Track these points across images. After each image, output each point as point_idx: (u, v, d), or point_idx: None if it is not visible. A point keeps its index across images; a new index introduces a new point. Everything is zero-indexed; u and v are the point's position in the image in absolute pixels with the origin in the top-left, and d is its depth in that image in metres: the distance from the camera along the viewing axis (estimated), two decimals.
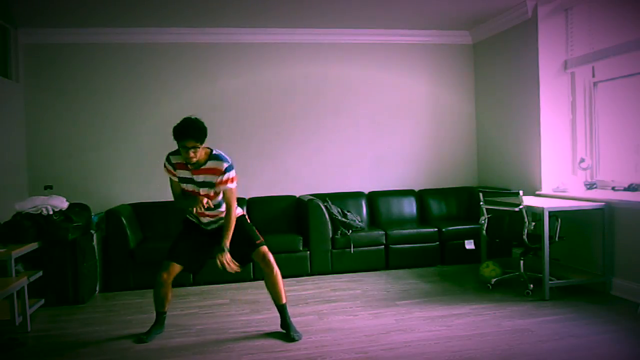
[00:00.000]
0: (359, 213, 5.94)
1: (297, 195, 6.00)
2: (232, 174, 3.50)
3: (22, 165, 5.59)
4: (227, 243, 3.51)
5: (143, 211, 5.59)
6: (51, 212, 4.48)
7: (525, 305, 4.19)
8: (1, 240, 4.25)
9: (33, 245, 4.27)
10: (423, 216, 6.19)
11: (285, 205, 5.89)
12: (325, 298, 4.58)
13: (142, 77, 5.87)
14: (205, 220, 3.68)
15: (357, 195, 6.11)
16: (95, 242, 4.96)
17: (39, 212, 4.45)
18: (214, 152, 3.53)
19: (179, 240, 3.74)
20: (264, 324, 3.93)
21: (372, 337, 3.58)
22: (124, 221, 5.09)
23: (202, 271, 5.06)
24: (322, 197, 5.80)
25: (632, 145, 4.72)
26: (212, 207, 3.58)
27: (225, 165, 3.48)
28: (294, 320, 3.82)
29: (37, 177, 5.59)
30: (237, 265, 3.56)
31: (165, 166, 3.61)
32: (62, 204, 4.62)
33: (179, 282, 5.11)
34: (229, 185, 3.50)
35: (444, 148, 6.50)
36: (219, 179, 3.48)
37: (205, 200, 3.50)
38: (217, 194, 3.55)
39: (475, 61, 6.53)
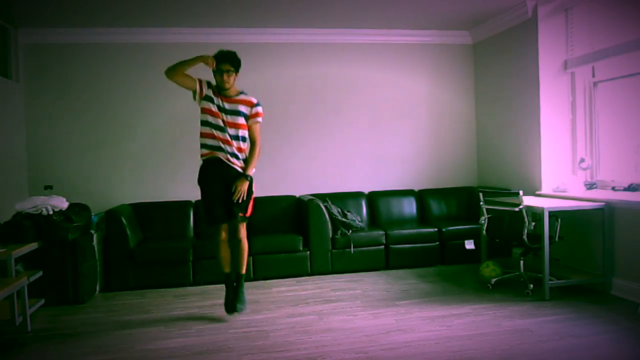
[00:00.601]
0: (359, 213, 5.94)
1: (297, 195, 6.00)
2: (261, 109, 3.95)
3: (22, 165, 5.59)
4: (251, 171, 3.88)
5: (143, 211, 5.59)
6: (51, 212, 4.48)
7: (525, 305, 4.19)
8: (1, 240, 4.25)
9: (33, 245, 4.27)
10: (423, 216, 6.19)
11: (285, 205, 5.89)
12: (325, 298, 4.58)
13: (142, 77, 5.86)
14: (228, 148, 3.85)
15: (357, 195, 6.11)
16: (95, 242, 4.95)
17: (39, 212, 4.45)
18: (243, 90, 3.97)
19: (207, 205, 3.98)
20: (264, 324, 3.93)
21: (372, 337, 3.58)
22: (124, 221, 5.09)
23: (202, 271, 5.14)
24: (322, 197, 5.80)
25: (632, 145, 4.72)
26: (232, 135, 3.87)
27: (256, 100, 3.93)
28: (294, 320, 3.85)
29: (37, 177, 5.59)
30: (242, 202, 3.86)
31: (199, 81, 3.90)
32: (62, 204, 4.62)
33: (179, 282, 5.15)
34: (258, 119, 3.94)
35: (444, 148, 6.50)
36: (252, 111, 3.91)
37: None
38: (241, 125, 3.87)
39: (475, 61, 6.53)
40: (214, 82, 3.98)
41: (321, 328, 3.79)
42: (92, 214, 5.01)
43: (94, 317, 4.25)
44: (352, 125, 6.27)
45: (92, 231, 4.94)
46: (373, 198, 6.15)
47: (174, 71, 3.85)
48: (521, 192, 4.43)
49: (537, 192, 5.26)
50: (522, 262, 4.64)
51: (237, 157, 3.90)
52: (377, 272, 5.49)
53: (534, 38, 5.28)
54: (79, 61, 5.76)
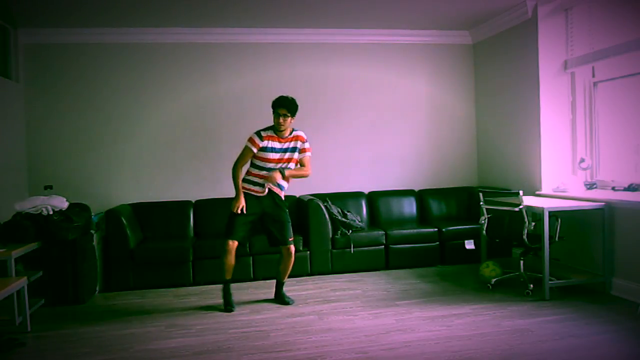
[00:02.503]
0: (359, 213, 5.94)
1: (297, 195, 6.00)
2: (308, 144, 4.40)
3: (22, 165, 5.59)
4: (288, 173, 4.28)
5: (143, 211, 5.59)
6: (51, 212, 4.48)
7: (525, 305, 4.19)
8: (1, 240, 4.25)
9: (33, 245, 4.28)
10: (423, 216, 6.19)
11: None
12: (325, 298, 4.58)
13: (142, 78, 5.87)
14: (267, 187, 4.30)
15: (357, 195, 6.11)
16: (95, 242, 4.95)
17: (39, 212, 4.45)
18: (295, 128, 4.37)
19: (233, 222, 4.30)
20: (264, 324, 3.93)
21: (372, 337, 3.58)
22: (124, 221, 5.09)
23: (202, 271, 5.15)
24: (322, 197, 5.80)
25: (632, 145, 4.72)
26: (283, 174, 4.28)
27: (305, 137, 4.39)
28: (294, 320, 3.88)
29: (37, 177, 5.59)
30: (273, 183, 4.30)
31: (251, 139, 4.26)
32: (62, 204, 4.62)
33: (179, 282, 5.15)
34: (308, 153, 4.39)
35: (444, 148, 6.49)
36: (304, 146, 4.35)
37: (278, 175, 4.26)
38: (295, 159, 4.34)
39: (475, 61, 6.53)
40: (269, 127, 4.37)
41: (321, 328, 3.79)
42: (92, 214, 5.01)
43: (94, 317, 4.25)
44: (352, 125, 6.27)
45: (92, 231, 4.94)
46: (373, 198, 6.15)
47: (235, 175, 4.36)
48: (521, 192, 4.43)
49: (537, 192, 5.26)
50: (522, 262, 4.64)
51: (281, 187, 4.36)
52: (377, 272, 5.49)
53: (534, 38, 5.28)
54: (79, 61, 5.76)
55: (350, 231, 5.52)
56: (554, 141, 5.27)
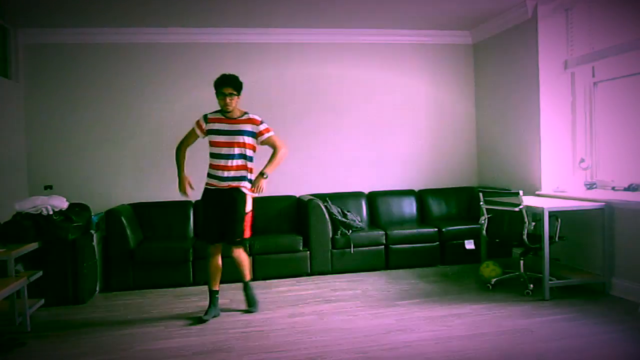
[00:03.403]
0: (359, 213, 5.94)
1: (297, 195, 6.00)
2: (266, 124, 4.06)
3: (22, 165, 5.59)
4: (270, 171, 4.02)
5: (143, 211, 5.59)
6: (51, 212, 4.48)
7: (525, 305, 4.19)
8: (1, 240, 4.24)
9: (33, 245, 4.27)
10: (423, 216, 6.19)
11: (285, 205, 5.88)
12: (325, 298, 4.58)
13: (142, 77, 5.87)
14: (226, 174, 4.00)
15: (357, 195, 6.11)
16: (95, 242, 4.95)
17: (39, 212, 4.45)
18: (248, 112, 4.08)
19: (206, 225, 4.17)
20: (264, 324, 3.93)
21: (372, 337, 3.57)
22: (124, 221, 5.09)
23: (202, 271, 5.14)
24: (322, 197, 5.80)
25: (632, 145, 4.72)
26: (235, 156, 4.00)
27: (260, 119, 4.06)
28: (294, 320, 3.87)
29: (37, 177, 5.59)
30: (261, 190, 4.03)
31: (197, 122, 4.09)
32: (62, 204, 4.62)
33: (179, 282, 5.15)
34: (270, 133, 4.06)
35: (444, 148, 6.49)
36: (260, 128, 4.03)
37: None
38: (250, 144, 4.01)
39: (475, 61, 6.53)
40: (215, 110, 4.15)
41: (321, 328, 3.79)
42: (92, 214, 5.01)
43: (94, 317, 4.26)
44: (352, 125, 6.27)
45: (92, 231, 4.94)
46: (373, 198, 6.15)
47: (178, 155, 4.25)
48: (521, 192, 4.43)
49: (537, 192, 5.26)
50: (522, 262, 4.64)
51: (239, 179, 4.03)
52: (377, 272, 5.48)
53: (534, 38, 5.28)
54: (79, 61, 5.76)
55: (350, 231, 5.52)
56: (554, 141, 5.27)
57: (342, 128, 6.25)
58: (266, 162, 4.06)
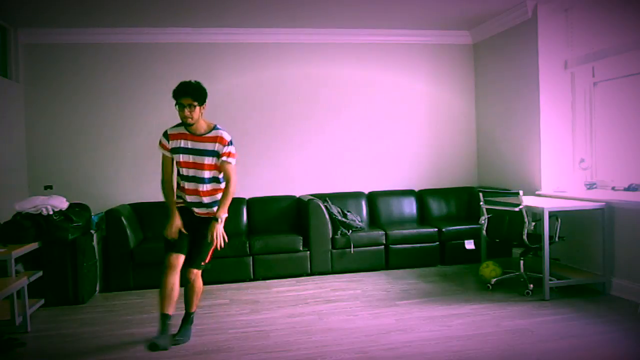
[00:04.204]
0: (359, 213, 5.94)
1: (297, 196, 6.00)
2: (233, 149, 3.48)
3: (22, 165, 5.59)
4: (222, 214, 3.44)
5: (143, 211, 5.59)
6: (51, 212, 4.48)
7: (525, 305, 4.19)
8: (1, 240, 4.25)
9: (33, 245, 4.27)
10: (423, 216, 6.19)
11: (285, 205, 5.89)
12: (325, 298, 4.58)
13: (142, 77, 5.87)
14: (198, 200, 3.50)
15: (357, 195, 6.11)
16: (95, 242, 4.96)
17: (39, 212, 4.45)
18: (217, 126, 3.52)
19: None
20: (264, 324, 3.93)
21: (372, 337, 3.57)
22: (124, 221, 5.08)
23: (201, 271, 5.13)
24: (322, 197, 5.80)
25: (632, 145, 4.72)
26: (207, 181, 3.48)
27: (229, 138, 3.48)
28: (294, 320, 3.87)
29: (37, 177, 5.59)
30: (225, 243, 3.48)
31: (160, 143, 3.54)
32: (62, 204, 4.62)
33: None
34: (230, 159, 3.46)
35: (444, 148, 6.49)
36: (224, 150, 3.43)
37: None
38: (215, 165, 3.46)
39: (475, 61, 6.53)
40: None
41: (321, 328, 3.79)
42: (92, 214, 5.01)
43: (94, 317, 4.26)
44: (352, 125, 6.27)
45: (92, 231, 4.94)
46: (373, 198, 6.15)
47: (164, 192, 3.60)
48: (521, 192, 4.43)
49: (537, 192, 5.26)
50: (522, 262, 4.64)
51: (213, 205, 3.53)
52: (377, 272, 5.48)
53: (534, 38, 5.28)
54: (79, 61, 5.76)
55: (350, 231, 5.52)
56: (554, 141, 5.27)
57: (342, 128, 6.25)
58: (217, 203, 3.52)
